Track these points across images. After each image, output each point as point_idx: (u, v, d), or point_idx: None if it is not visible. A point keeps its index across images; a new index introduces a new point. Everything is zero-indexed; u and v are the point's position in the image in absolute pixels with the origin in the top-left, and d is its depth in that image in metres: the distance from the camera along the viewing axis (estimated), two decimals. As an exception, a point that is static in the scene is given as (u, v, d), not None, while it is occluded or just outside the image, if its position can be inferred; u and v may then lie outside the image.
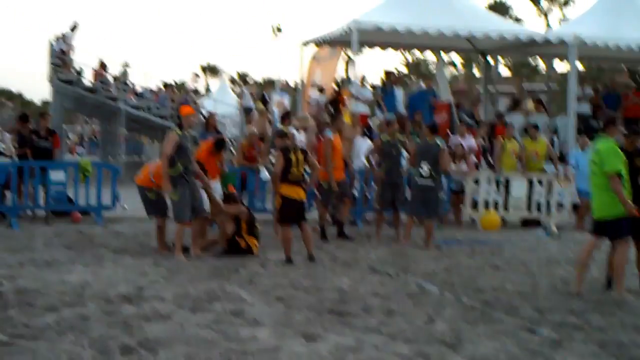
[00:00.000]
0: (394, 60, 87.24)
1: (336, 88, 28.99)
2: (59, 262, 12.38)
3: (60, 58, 34.52)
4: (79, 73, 36.22)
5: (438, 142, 15.70)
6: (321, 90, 29.10)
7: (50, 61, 35.53)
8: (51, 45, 35.57)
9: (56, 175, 17.66)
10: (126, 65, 39.53)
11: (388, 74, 26.47)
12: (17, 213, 17.42)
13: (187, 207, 13.22)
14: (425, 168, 15.40)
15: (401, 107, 24.39)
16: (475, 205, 19.49)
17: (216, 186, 14.65)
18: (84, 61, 37.41)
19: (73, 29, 35.32)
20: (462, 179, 19.37)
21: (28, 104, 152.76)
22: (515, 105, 27.79)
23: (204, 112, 34.40)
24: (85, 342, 7.57)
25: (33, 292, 9.88)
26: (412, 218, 15.95)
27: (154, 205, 13.95)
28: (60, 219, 17.82)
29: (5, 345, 7.41)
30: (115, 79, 38.36)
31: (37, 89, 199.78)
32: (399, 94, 24.99)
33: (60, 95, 36.10)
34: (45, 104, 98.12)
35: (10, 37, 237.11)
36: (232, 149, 22.05)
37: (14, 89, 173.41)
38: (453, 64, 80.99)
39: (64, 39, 34.76)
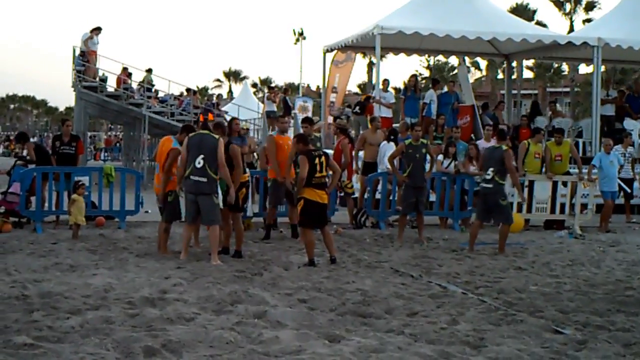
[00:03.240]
0: (417, 64, 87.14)
1: (360, 92, 29.11)
2: (83, 265, 12.44)
3: (83, 63, 34.70)
4: (103, 80, 36.39)
5: (503, 146, 15.47)
6: (335, 92, 29.21)
7: (74, 68, 35.74)
8: (75, 52, 35.77)
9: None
10: (149, 71, 39.69)
11: (413, 77, 26.54)
12: (42, 218, 17.48)
13: (219, 211, 13.44)
14: (489, 172, 15.22)
15: (434, 110, 24.43)
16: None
17: None
18: (108, 68, 37.62)
19: (92, 30, 35.47)
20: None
21: (52, 110, 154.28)
22: (535, 109, 27.69)
23: (226, 117, 34.50)
24: (109, 345, 7.58)
25: (57, 295, 9.91)
26: (481, 224, 15.77)
27: (170, 208, 14.02)
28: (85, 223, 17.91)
29: (30, 348, 7.43)
30: (139, 85, 38.51)
31: (62, 95, 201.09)
32: (433, 96, 24.95)
33: (84, 101, 36.30)
34: (70, 110, 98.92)
35: (36, 44, 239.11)
36: (255, 154, 22.06)
37: (39, 95, 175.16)
38: (477, 67, 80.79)
39: (85, 43, 34.94)
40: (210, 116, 14.45)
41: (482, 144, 20.19)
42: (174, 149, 13.99)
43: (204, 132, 13.61)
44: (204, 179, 13.09)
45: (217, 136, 13.34)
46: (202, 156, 13.07)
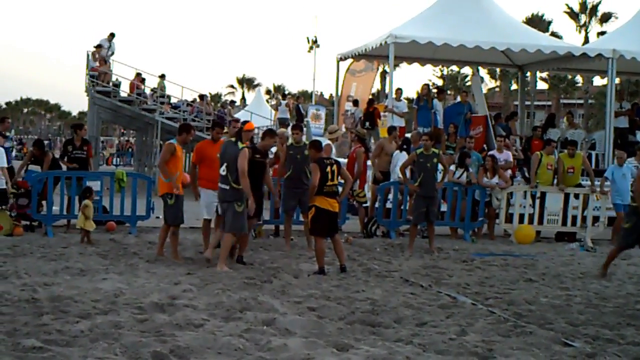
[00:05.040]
0: (430, 74, 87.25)
1: (371, 101, 29.08)
2: (93, 270, 12.45)
3: (96, 69, 34.85)
4: (116, 85, 36.49)
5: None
6: (356, 103, 29.22)
7: (88, 73, 35.86)
8: (89, 57, 35.91)
9: (92, 185, 17.73)
10: (163, 77, 39.75)
11: (425, 86, 26.51)
12: (53, 222, 17.51)
13: (245, 219, 13.43)
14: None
15: (440, 120, 24.38)
16: (510, 218, 19.41)
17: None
18: (121, 73, 37.74)
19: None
20: (495, 192, 19.26)
21: (65, 114, 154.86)
22: (550, 121, 27.64)
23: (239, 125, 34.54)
24: (117, 350, 7.59)
25: (67, 299, 9.93)
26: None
27: (171, 211, 14.06)
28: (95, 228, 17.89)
29: (39, 351, 7.45)
30: (152, 90, 38.60)
31: (75, 99, 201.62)
32: (438, 105, 24.92)
33: (97, 106, 36.40)
34: (83, 114, 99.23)
35: (50, 48, 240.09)
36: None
37: (52, 99, 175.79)
38: (492, 76, 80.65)
39: (98, 51, 35.12)
40: (248, 125, 14.26)
41: (495, 155, 20.17)
42: (169, 144, 14.09)
43: (232, 140, 13.71)
44: (226, 187, 13.21)
45: (240, 145, 13.32)
46: (225, 164, 13.21)
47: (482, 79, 43.96)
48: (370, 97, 31.66)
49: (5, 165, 17.71)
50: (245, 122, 16.28)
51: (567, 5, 76.72)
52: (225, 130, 17.60)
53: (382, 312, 9.92)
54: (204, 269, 12.88)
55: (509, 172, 20.35)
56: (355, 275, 12.96)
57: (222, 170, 13.22)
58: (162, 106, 37.09)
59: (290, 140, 17.04)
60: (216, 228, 14.80)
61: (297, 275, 12.69)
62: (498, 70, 66.77)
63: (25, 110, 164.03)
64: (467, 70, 43.89)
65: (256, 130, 34.35)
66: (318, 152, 13.43)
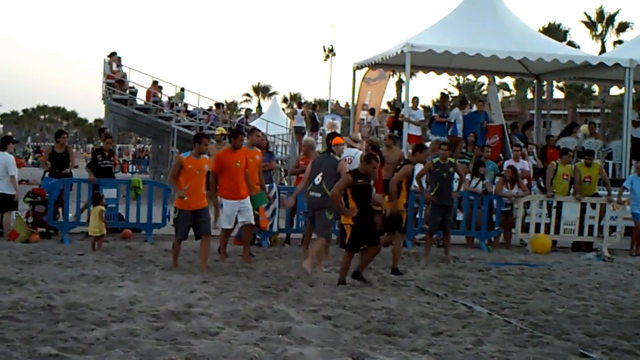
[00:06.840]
0: (446, 82, 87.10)
1: (390, 110, 29.07)
2: (109, 277, 12.48)
3: (112, 76, 34.98)
4: (133, 92, 36.56)
5: None
6: (372, 112, 29.20)
7: (105, 80, 35.95)
8: (105, 65, 36.01)
9: (109, 193, 17.77)
10: (183, 90, 39.72)
11: (443, 96, 26.51)
12: (69, 229, 17.54)
13: (332, 227, 14.34)
14: None
15: (460, 129, 24.36)
16: (526, 227, 19.35)
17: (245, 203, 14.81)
18: (138, 81, 37.82)
19: (112, 55, 35.82)
20: (512, 201, 19.22)
21: (82, 122, 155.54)
22: (569, 130, 27.55)
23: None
24: (133, 358, 7.59)
25: (83, 306, 9.95)
26: None
27: (175, 225, 14.15)
28: (111, 236, 17.88)
29: (55, 358, 7.46)
30: (169, 99, 38.65)
31: (92, 106, 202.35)
32: (457, 114, 24.89)
33: (113, 114, 36.48)
34: (99, 122, 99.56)
35: (67, 55, 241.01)
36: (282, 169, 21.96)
37: (69, 107, 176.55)
38: (506, 88, 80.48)
39: (113, 59, 35.30)
40: (336, 140, 14.30)
41: (513, 164, 20.10)
42: (178, 158, 14.12)
43: (326, 153, 14.52)
44: (318, 194, 13.89)
45: (338, 157, 14.23)
46: (321, 174, 13.93)
47: (498, 88, 43.80)
48: (388, 107, 31.67)
49: (15, 173, 17.82)
50: (333, 136, 15.99)
51: (585, 14, 76.60)
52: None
53: (398, 322, 9.89)
54: (219, 277, 12.89)
55: (525, 181, 20.29)
56: (371, 284, 12.92)
57: (317, 180, 13.94)
58: (179, 114, 37.12)
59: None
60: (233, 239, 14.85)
61: (313, 283, 12.66)
62: (513, 81, 66.74)
63: (42, 117, 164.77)
64: (483, 79, 43.82)
65: (272, 139, 34.45)
66: (368, 164, 13.25)
